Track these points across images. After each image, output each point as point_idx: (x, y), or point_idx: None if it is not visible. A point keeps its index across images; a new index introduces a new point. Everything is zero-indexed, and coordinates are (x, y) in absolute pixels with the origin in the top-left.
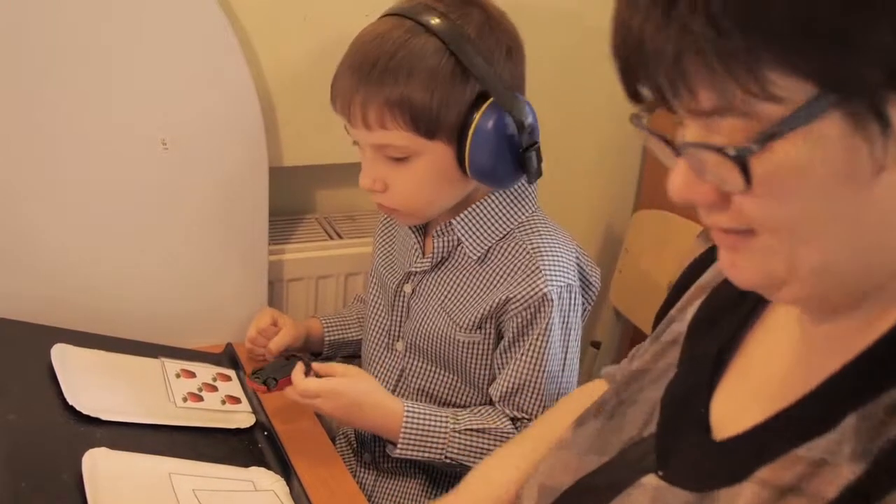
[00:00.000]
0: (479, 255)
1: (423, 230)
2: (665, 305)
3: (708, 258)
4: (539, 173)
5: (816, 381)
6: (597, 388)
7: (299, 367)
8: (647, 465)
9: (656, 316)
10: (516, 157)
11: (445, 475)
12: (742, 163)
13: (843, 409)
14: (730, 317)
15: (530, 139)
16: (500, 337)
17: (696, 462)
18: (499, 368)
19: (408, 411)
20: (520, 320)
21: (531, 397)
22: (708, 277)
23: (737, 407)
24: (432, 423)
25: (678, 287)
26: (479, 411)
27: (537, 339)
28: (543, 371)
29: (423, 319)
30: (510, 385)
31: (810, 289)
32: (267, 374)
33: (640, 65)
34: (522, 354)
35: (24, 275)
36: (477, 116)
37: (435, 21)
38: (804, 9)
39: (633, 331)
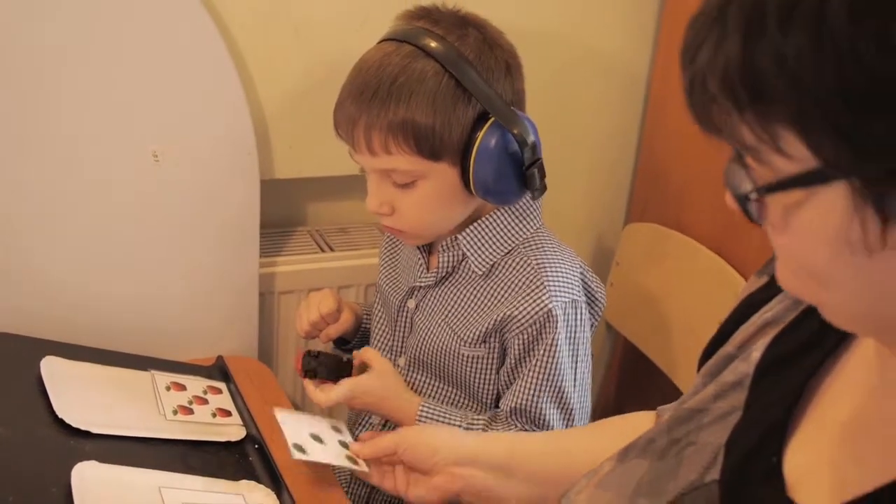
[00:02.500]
0: (484, 269)
1: (427, 246)
2: (716, 341)
3: (767, 293)
4: (543, 189)
5: None
6: (641, 421)
7: (327, 387)
8: None
9: (705, 351)
10: (520, 175)
11: None
12: (743, 203)
13: None
14: (805, 358)
15: (533, 156)
16: (504, 352)
17: None
18: (507, 385)
19: (421, 408)
20: (526, 337)
21: (542, 412)
22: (774, 313)
23: (815, 460)
24: (444, 421)
25: (732, 322)
26: (493, 420)
27: (544, 355)
28: (553, 386)
29: (426, 334)
30: (519, 400)
31: (845, 323)
32: (317, 366)
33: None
34: (530, 370)
35: (14, 287)
36: (479, 136)
37: (433, 44)
38: (808, 97)
39: (624, 343)
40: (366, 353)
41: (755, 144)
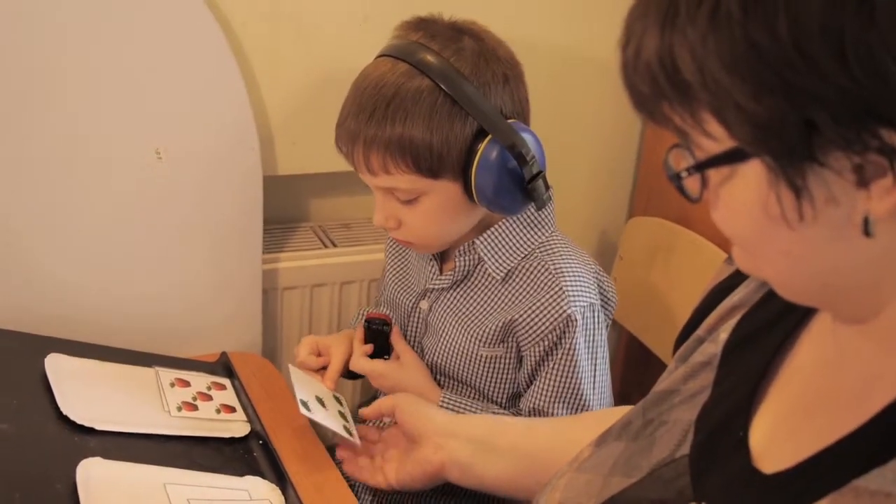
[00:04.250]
0: (502, 274)
1: None
2: (688, 327)
3: (736, 280)
4: (548, 199)
5: (861, 403)
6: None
7: (362, 349)
8: (681, 490)
9: (678, 337)
10: (522, 188)
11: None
12: (676, 182)
13: None
14: (768, 337)
15: (534, 170)
16: (521, 354)
17: (743, 494)
18: (526, 389)
19: (442, 401)
20: (546, 343)
21: (559, 415)
22: (741, 297)
23: (777, 432)
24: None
25: (703, 308)
26: (514, 415)
27: (562, 358)
28: (570, 389)
29: (441, 336)
30: (537, 402)
31: (791, 296)
32: (369, 334)
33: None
34: (548, 373)
35: (18, 284)
36: (479, 152)
37: (429, 61)
38: (714, 81)
39: (628, 338)
40: (396, 343)
41: (685, 128)
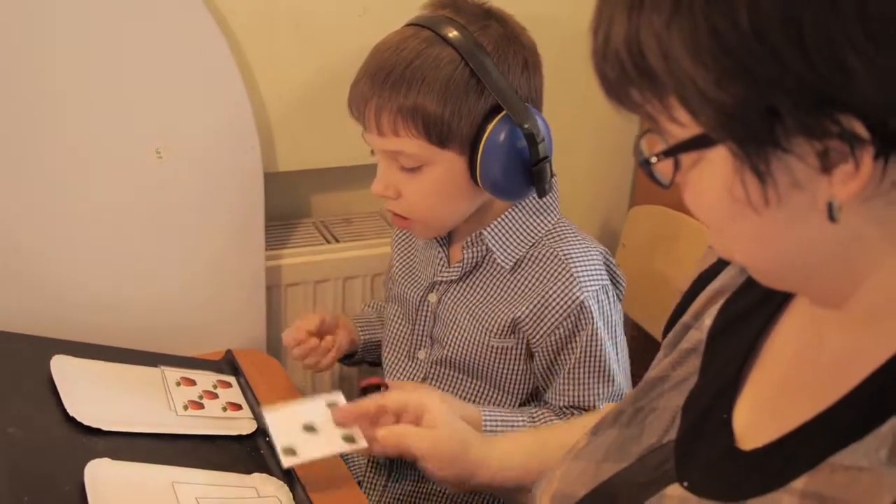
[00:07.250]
0: (511, 264)
1: (447, 240)
2: (676, 313)
3: (720, 266)
4: (550, 188)
5: (837, 381)
6: None
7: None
8: (666, 472)
9: (667, 323)
10: (527, 171)
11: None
12: (646, 167)
13: (879, 414)
14: (751, 322)
15: (542, 153)
16: (531, 344)
17: (724, 472)
18: (545, 378)
19: (485, 419)
20: (562, 331)
21: (599, 397)
22: (722, 283)
23: (760, 413)
24: (508, 426)
25: (689, 295)
26: (553, 413)
27: (588, 346)
28: (603, 374)
29: (451, 328)
30: (575, 396)
31: (767, 280)
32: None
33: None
34: (577, 365)
35: (21, 287)
36: (489, 127)
37: (453, 33)
38: (678, 68)
39: (631, 326)
40: (404, 384)
41: (654, 114)
